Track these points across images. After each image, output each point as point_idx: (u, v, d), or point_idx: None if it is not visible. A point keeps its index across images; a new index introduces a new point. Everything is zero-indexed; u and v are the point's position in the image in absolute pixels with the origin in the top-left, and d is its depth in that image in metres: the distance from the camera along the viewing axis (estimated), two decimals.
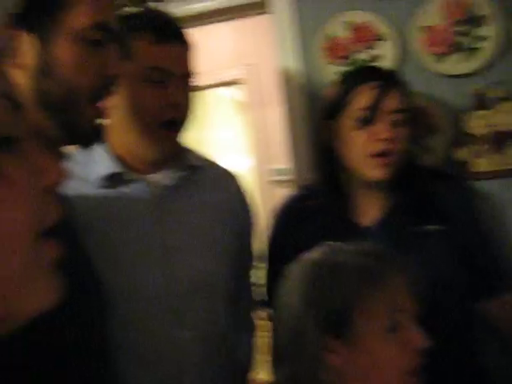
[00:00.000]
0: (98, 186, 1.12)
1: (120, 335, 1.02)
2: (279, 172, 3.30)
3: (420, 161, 1.37)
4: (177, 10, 1.85)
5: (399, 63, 1.70)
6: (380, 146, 1.20)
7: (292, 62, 1.81)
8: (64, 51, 0.80)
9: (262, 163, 3.36)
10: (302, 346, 0.83)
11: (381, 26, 1.71)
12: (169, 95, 1.10)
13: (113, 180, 1.13)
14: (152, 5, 1.61)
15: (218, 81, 3.36)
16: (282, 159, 3.28)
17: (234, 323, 1.24)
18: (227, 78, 3.38)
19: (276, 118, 3.28)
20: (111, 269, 1.04)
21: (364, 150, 1.22)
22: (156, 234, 1.14)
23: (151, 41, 1.10)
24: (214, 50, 3.32)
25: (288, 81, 1.83)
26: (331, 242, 0.93)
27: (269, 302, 1.36)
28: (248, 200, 1.35)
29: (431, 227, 1.22)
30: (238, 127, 5.75)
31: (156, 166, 1.16)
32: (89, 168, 1.14)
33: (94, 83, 0.83)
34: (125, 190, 1.14)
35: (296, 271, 0.89)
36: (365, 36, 1.71)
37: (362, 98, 1.22)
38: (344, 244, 0.91)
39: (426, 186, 1.28)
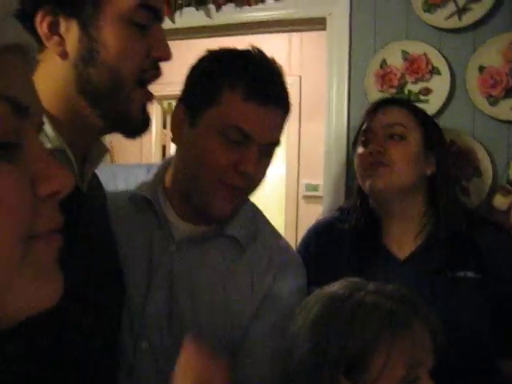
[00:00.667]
0: (129, 203, 1.05)
1: None
2: (310, 187, 3.29)
3: (460, 202, 1.35)
4: (239, 15, 1.87)
5: (449, 99, 1.68)
6: (369, 159, 1.26)
7: (341, 81, 1.80)
8: (108, 35, 0.73)
9: (292, 176, 3.34)
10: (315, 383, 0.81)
11: (437, 60, 1.68)
12: (243, 162, 0.94)
13: (142, 207, 1.05)
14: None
15: None
16: (313, 175, 3.27)
17: None
18: None
19: (311, 132, 3.27)
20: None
21: (359, 165, 1.31)
22: (166, 285, 1.01)
23: (244, 97, 0.94)
24: None
25: (333, 100, 1.82)
26: (355, 279, 0.91)
27: None
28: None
29: (466, 274, 1.20)
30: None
31: (196, 218, 1.04)
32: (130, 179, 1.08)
33: (140, 67, 0.77)
34: (153, 220, 1.04)
35: (316, 304, 0.86)
36: (419, 67, 1.69)
37: (364, 123, 1.33)
38: (368, 282, 0.89)
39: (466, 229, 1.26)
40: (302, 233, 3.20)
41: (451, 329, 1.09)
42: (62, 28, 0.72)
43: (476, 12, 1.63)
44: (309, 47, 3.26)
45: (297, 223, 3.32)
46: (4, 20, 0.36)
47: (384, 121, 1.28)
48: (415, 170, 1.25)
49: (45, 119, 0.68)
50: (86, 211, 0.80)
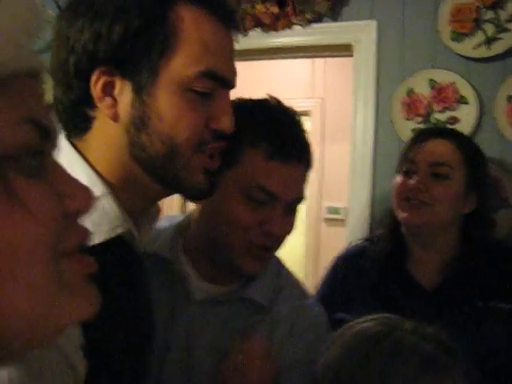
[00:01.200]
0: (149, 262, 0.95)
1: None
2: (332, 210, 3.28)
3: (490, 233, 1.34)
4: (266, 41, 1.89)
5: (476, 128, 1.67)
6: (408, 193, 1.25)
7: (367, 108, 1.80)
8: (162, 103, 0.67)
9: (314, 199, 3.34)
10: None
11: (464, 89, 1.68)
12: (269, 223, 0.91)
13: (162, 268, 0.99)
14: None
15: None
16: (335, 197, 3.27)
17: None
18: (297, 109, 3.41)
19: (334, 155, 3.27)
20: None
21: (397, 195, 1.29)
22: (183, 340, 0.98)
23: (266, 155, 0.89)
24: (290, 79, 3.35)
25: (359, 126, 1.82)
26: (388, 315, 0.89)
27: None
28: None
29: (496, 304, 1.19)
30: None
31: (218, 278, 1.00)
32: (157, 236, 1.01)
33: (199, 138, 0.70)
34: (172, 278, 1.00)
35: (351, 340, 0.83)
36: (446, 96, 1.69)
37: (411, 153, 1.29)
38: (404, 320, 0.86)
39: (495, 259, 1.24)
40: (323, 255, 3.21)
41: (479, 360, 1.08)
42: (117, 90, 0.67)
43: (505, 41, 1.63)
44: (332, 70, 3.28)
45: (318, 246, 3.31)
46: (27, 45, 0.37)
47: (430, 158, 1.25)
48: (455, 208, 1.24)
49: (105, 191, 0.68)
50: (142, 274, 0.79)
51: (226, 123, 0.72)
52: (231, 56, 0.74)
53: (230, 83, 0.73)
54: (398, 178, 1.29)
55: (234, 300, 0.98)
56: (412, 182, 1.25)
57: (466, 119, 1.68)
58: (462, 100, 1.68)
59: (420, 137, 1.31)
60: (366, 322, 0.86)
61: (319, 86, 3.35)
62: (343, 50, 1.85)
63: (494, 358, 1.16)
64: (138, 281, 0.77)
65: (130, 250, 0.73)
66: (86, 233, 0.40)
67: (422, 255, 1.28)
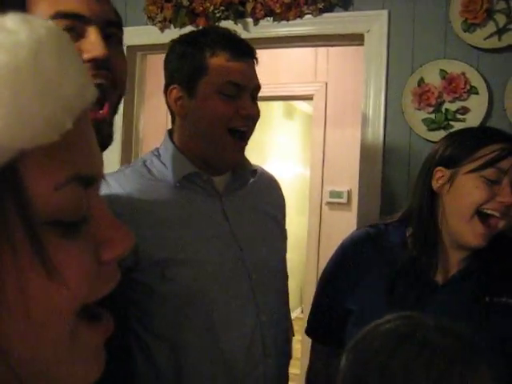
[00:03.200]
0: (176, 184, 1.23)
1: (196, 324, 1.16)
2: (334, 194, 3.30)
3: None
4: (277, 30, 1.89)
5: (486, 118, 1.70)
6: (496, 207, 1.19)
7: (377, 98, 1.82)
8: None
9: (316, 182, 3.36)
10: None
11: (475, 79, 1.70)
12: (241, 107, 1.20)
13: (188, 179, 1.24)
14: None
15: (293, 93, 3.45)
16: (337, 181, 3.29)
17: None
18: (300, 93, 3.43)
19: (336, 139, 3.29)
20: (190, 256, 1.17)
21: (476, 206, 1.20)
22: (225, 224, 1.26)
23: (228, 58, 1.20)
24: (295, 64, 3.36)
25: (369, 115, 1.84)
26: (411, 313, 0.90)
27: (311, 333, 1.42)
28: (282, 195, 1.51)
29: (507, 300, 1.21)
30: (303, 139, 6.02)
31: (221, 170, 1.29)
32: (164, 169, 1.25)
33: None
34: (198, 188, 1.25)
35: (375, 340, 0.85)
36: (457, 87, 1.71)
37: (488, 155, 1.21)
38: (425, 316, 0.88)
39: (505, 254, 1.27)
40: (325, 238, 3.25)
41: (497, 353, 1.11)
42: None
43: None
44: (336, 54, 3.28)
45: (320, 229, 3.35)
46: (90, 83, 0.36)
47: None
48: None
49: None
50: None
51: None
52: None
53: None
54: (478, 189, 1.20)
55: (242, 183, 1.33)
56: (503, 196, 1.18)
57: (476, 109, 1.70)
58: (473, 90, 1.70)
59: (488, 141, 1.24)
60: (388, 323, 0.88)
61: (322, 71, 3.35)
62: (354, 39, 1.86)
63: (502, 349, 1.18)
64: None
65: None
66: (115, 278, 0.39)
67: (443, 255, 1.30)
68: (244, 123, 1.22)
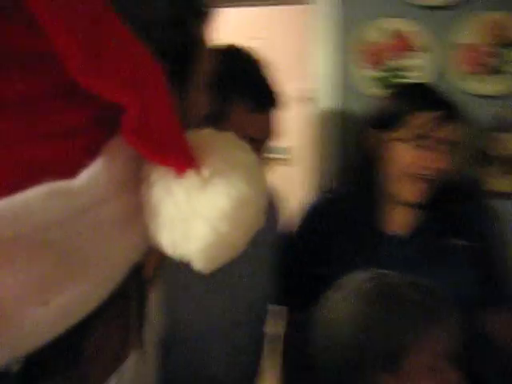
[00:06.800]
0: None
1: None
2: (276, 150, 3.31)
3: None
4: None
5: (432, 76, 1.73)
6: (427, 172, 1.26)
7: (324, 56, 1.81)
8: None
9: None
10: (353, 378, 0.84)
11: (421, 37, 1.72)
12: None
13: None
14: None
15: None
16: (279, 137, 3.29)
17: None
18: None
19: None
20: None
21: (410, 169, 1.27)
22: None
23: (249, 109, 1.13)
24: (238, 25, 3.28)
25: (315, 74, 1.83)
26: (379, 270, 0.94)
27: (285, 301, 1.43)
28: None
29: (458, 242, 1.29)
30: None
31: None
32: None
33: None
34: None
35: (349, 297, 0.89)
36: (404, 45, 1.72)
37: (421, 122, 1.27)
38: (393, 274, 0.92)
39: (456, 205, 1.34)
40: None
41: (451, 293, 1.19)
42: None
43: None
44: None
45: None
46: None
47: (449, 137, 1.30)
48: None
49: None
50: None
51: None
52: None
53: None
54: (411, 152, 1.28)
55: None
56: (433, 162, 1.28)
57: (422, 67, 1.72)
58: (419, 48, 1.73)
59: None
60: (361, 280, 0.91)
61: (261, 27, 3.30)
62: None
63: (457, 291, 1.27)
64: None
65: None
66: None
67: (391, 210, 1.35)
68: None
